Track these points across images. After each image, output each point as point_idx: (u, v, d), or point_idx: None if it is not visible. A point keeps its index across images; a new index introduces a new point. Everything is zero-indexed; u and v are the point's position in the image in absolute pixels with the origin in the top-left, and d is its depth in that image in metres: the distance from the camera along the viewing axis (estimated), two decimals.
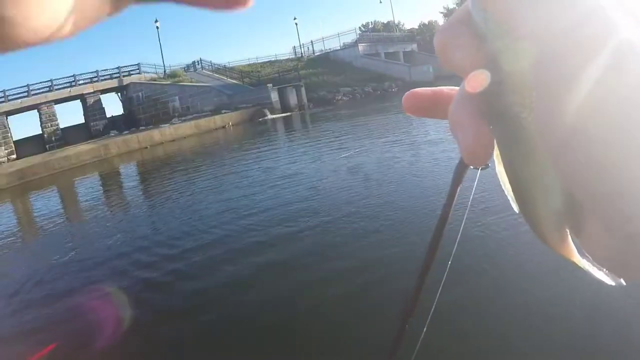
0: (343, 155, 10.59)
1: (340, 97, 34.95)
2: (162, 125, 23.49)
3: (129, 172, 15.58)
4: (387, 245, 4.77)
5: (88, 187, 13.80)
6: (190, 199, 9.06)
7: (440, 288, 1.04)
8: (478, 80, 0.19)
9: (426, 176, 7.52)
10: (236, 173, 11.06)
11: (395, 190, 6.91)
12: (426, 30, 71.76)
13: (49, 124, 28.90)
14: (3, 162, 23.57)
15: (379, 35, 53.21)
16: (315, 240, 5.34)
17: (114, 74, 31.54)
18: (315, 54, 48.62)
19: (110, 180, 14.48)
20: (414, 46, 53.57)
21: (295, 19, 50.98)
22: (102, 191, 12.87)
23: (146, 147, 19.73)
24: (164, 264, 5.47)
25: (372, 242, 4.96)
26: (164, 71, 36.07)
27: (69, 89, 30.52)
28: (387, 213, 5.83)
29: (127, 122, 28.58)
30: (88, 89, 30.59)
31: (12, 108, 28.33)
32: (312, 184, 8.18)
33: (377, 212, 5.95)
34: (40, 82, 30.35)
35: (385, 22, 65.96)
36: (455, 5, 70.01)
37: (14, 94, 29.09)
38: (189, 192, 9.70)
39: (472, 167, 0.32)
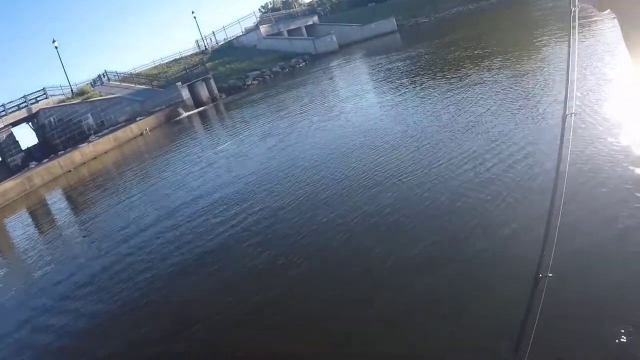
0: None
1: (250, 82, 36.07)
2: (81, 145, 23.86)
3: (58, 201, 15.83)
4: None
5: (22, 225, 13.48)
6: (122, 215, 9.64)
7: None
8: None
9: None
10: (162, 179, 11.91)
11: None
12: (326, 1, 73.22)
13: None
14: None
15: (279, 14, 54.14)
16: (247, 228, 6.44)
17: (21, 104, 30.90)
18: (219, 44, 49.14)
19: (41, 212, 14.51)
20: (315, 18, 55.01)
21: (193, 12, 50.99)
22: (36, 227, 12.67)
23: (70, 171, 20.25)
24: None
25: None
26: (72, 90, 35.67)
27: None
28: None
29: (44, 150, 28.45)
30: None
31: None
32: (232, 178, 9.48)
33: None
34: None
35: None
36: None
37: None
38: (120, 208, 10.30)
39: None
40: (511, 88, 9.17)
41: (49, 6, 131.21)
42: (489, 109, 8.16)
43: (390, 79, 15.90)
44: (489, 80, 10.51)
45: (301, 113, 14.65)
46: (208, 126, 21.95)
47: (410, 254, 4.41)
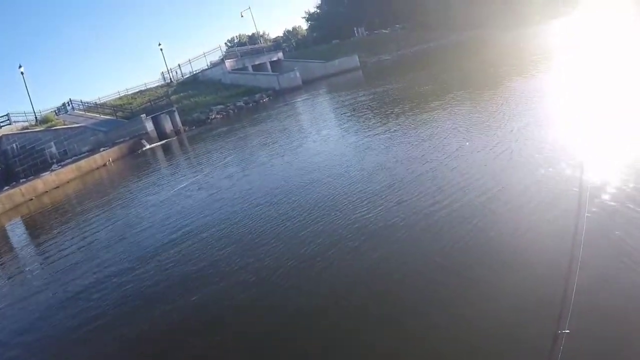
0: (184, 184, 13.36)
1: (214, 115, 37.30)
2: (43, 174, 24.33)
3: (19, 230, 15.99)
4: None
5: None
6: (85, 246, 10.15)
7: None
8: None
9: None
10: (124, 210, 12.76)
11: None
12: (291, 37, 75.88)
13: None
14: None
15: (245, 49, 55.95)
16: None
17: None
18: (185, 77, 50.38)
19: (2, 242, 14.40)
20: (280, 54, 57.16)
21: (160, 44, 52.21)
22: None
23: (31, 199, 20.75)
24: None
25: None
26: (36, 118, 36.03)
27: None
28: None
29: (5, 178, 28.64)
30: None
31: None
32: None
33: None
34: None
35: (250, 34, 68.99)
36: (316, 9, 74.77)
37: None
38: (83, 239, 10.81)
39: None
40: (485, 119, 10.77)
41: (15, 30, 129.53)
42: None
43: (352, 116, 17.70)
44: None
45: (263, 149, 16.16)
46: (171, 159, 23.04)
47: (425, 312, 4.26)
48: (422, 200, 6.76)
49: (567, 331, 2.29)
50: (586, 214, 4.74)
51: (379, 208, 6.94)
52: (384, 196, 7.42)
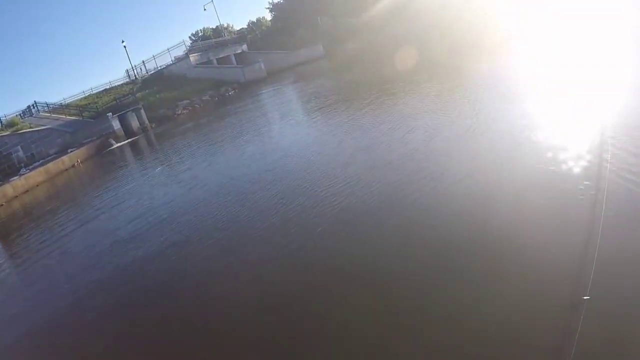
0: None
1: (180, 111, 37.72)
2: (12, 179, 24.58)
3: None
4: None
5: None
6: (58, 250, 10.63)
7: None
8: None
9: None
10: (93, 215, 13.10)
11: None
12: (256, 28, 75.63)
13: None
14: None
15: (209, 43, 55.91)
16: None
17: None
18: (149, 74, 50.27)
19: None
20: (244, 47, 57.36)
21: (123, 42, 51.85)
22: None
23: (1, 205, 21.15)
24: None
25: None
26: (0, 122, 35.87)
27: None
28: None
29: None
30: None
31: None
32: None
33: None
34: None
35: (214, 27, 68.70)
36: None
37: None
38: (57, 243, 11.29)
39: None
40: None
41: None
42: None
43: (316, 108, 18.59)
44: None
45: (230, 142, 17.16)
46: (138, 157, 23.68)
47: (448, 270, 4.54)
48: (446, 175, 7.16)
49: (588, 297, 2.44)
50: (607, 185, 4.75)
51: (395, 199, 7.02)
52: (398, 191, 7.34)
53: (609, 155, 5.49)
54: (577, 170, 5.74)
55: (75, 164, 27.16)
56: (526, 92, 11.32)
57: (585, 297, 2.40)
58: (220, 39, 58.72)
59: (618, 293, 3.18)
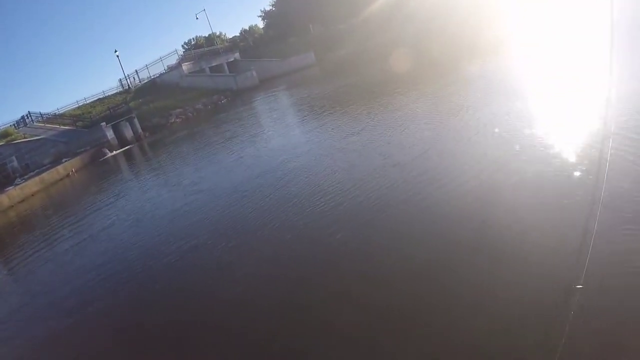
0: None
1: (173, 119, 38.12)
2: (7, 189, 24.90)
3: None
4: None
5: None
6: (55, 263, 10.70)
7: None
8: None
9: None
10: (90, 223, 13.26)
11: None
12: (248, 36, 76.29)
13: None
14: None
15: (201, 51, 56.45)
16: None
17: None
18: (142, 83, 50.70)
19: None
20: (237, 55, 57.92)
21: (116, 51, 52.25)
22: None
23: None
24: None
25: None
26: None
27: None
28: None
29: None
30: None
31: None
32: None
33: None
34: None
35: (206, 36, 69.30)
36: (271, 7, 75.42)
37: None
38: (51, 251, 11.57)
39: None
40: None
41: None
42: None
43: (308, 114, 19.11)
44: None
45: (223, 150, 17.60)
46: (132, 166, 24.06)
47: (447, 261, 4.67)
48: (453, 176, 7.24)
49: (581, 286, 2.44)
50: (606, 176, 4.81)
51: (397, 196, 7.24)
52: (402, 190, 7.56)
53: (609, 147, 5.56)
54: (574, 160, 5.89)
55: (70, 173, 27.50)
56: (521, 91, 11.98)
57: (578, 286, 2.46)
58: (213, 47, 59.23)
59: (611, 283, 3.25)
